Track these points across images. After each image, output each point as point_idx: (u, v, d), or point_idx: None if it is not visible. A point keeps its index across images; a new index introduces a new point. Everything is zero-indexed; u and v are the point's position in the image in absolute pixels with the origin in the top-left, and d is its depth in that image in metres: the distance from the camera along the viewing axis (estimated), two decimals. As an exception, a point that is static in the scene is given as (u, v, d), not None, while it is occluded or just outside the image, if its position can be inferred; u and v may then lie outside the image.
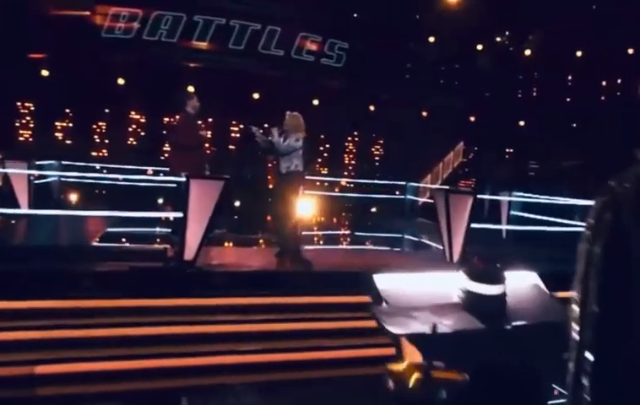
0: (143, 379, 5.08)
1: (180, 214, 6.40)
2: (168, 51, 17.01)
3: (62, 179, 12.83)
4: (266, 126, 8.50)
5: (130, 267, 6.04)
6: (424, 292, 2.32)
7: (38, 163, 11.28)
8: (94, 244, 7.58)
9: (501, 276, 2.16)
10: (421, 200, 15.75)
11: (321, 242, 11.24)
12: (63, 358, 4.99)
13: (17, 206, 9.81)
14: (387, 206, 15.40)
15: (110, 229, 8.88)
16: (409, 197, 15.11)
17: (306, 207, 11.01)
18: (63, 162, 13.05)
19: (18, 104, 18.17)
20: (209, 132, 7.04)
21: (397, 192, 16.77)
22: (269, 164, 15.35)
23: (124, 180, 12.69)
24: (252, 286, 6.31)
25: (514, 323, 2.09)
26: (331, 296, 6.25)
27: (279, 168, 7.64)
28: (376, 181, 16.03)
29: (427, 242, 10.76)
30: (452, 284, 2.20)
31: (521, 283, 2.18)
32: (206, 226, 6.40)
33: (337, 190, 17.44)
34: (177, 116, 7.95)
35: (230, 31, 17.39)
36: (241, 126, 20.00)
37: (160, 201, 12.59)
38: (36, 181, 10.84)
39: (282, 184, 7.64)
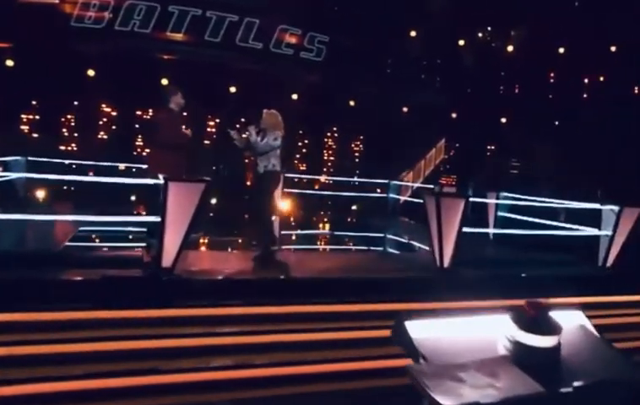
0: (122, 398, 4.64)
1: (157, 219, 5.92)
2: (141, 43, 16.33)
3: (29, 176, 12.16)
4: (242, 121, 8.07)
5: (103, 276, 5.55)
6: (466, 342, 1.97)
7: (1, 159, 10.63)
8: (64, 248, 7.02)
9: (555, 325, 1.79)
10: (402, 198, 15.45)
11: (300, 242, 10.82)
12: (30, 377, 4.56)
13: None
14: (368, 204, 15.05)
15: (81, 229, 8.34)
16: (391, 195, 14.79)
17: (284, 206, 10.68)
18: (30, 158, 12.36)
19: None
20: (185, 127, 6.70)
21: (378, 190, 16.47)
22: (246, 160, 14.92)
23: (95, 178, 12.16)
24: (237, 294, 5.89)
25: (575, 383, 1.72)
26: (322, 305, 5.88)
27: (257, 167, 7.38)
28: (357, 180, 15.67)
29: (413, 244, 10.44)
30: (495, 331, 1.82)
31: (568, 326, 1.85)
32: (185, 231, 5.94)
33: (317, 187, 17.06)
34: (154, 112, 7.41)
35: (207, 23, 16.74)
36: (217, 120, 19.49)
37: (133, 198, 12.05)
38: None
39: (259, 184, 7.40)
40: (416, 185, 17.71)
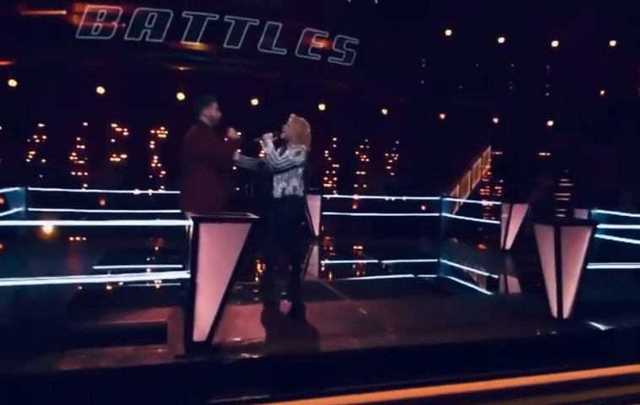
0: None
1: (185, 274, 4.20)
2: (154, 54, 14.75)
3: (30, 210, 10.56)
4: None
5: (109, 367, 3.83)
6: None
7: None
8: (61, 314, 5.25)
9: None
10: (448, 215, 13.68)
11: (341, 274, 9.02)
12: None
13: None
14: (414, 225, 13.25)
15: (88, 280, 6.59)
16: (444, 214, 13.03)
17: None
18: (30, 188, 10.76)
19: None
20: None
21: (423, 208, 14.73)
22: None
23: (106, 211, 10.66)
24: (306, 379, 4.15)
25: None
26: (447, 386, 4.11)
27: (273, 190, 5.84)
28: (405, 198, 13.89)
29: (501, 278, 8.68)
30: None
31: None
32: (225, 291, 4.21)
33: (354, 207, 15.33)
34: (191, 129, 5.74)
35: (225, 29, 15.13)
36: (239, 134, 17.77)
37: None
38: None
39: (276, 212, 5.84)
40: (463, 200, 15.92)
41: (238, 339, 4.63)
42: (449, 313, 6.10)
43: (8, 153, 15.50)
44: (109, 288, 6.69)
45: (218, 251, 4.09)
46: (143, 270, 7.12)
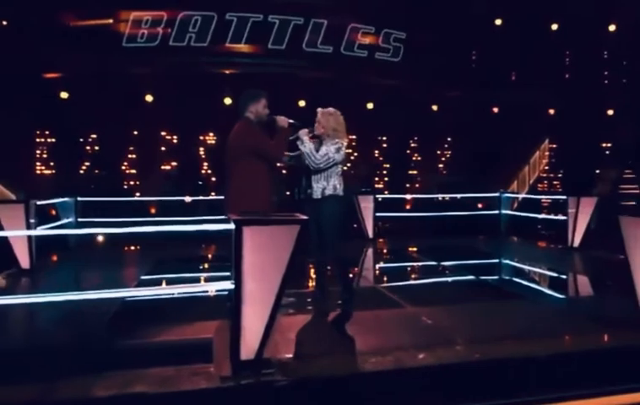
0: None
1: (229, 284, 3.77)
2: (199, 58, 14.54)
3: (80, 221, 10.45)
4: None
5: (146, 392, 3.43)
6: None
7: (44, 203, 8.88)
8: (100, 331, 4.90)
9: None
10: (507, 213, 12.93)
11: (397, 278, 8.44)
12: None
13: (14, 264, 7.48)
14: (471, 224, 12.59)
15: (132, 295, 6.27)
16: (504, 211, 12.29)
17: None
18: (80, 198, 10.64)
19: (37, 133, 15.86)
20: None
21: (479, 205, 14.04)
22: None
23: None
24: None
25: None
26: None
27: (311, 190, 5.57)
28: (460, 195, 13.25)
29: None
30: None
31: None
32: (274, 301, 3.76)
33: (408, 207, 14.72)
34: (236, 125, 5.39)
35: (269, 29, 14.78)
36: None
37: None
38: (41, 228, 8.44)
39: (316, 214, 5.53)
40: (522, 195, 15.08)
41: (290, 356, 4.18)
42: (522, 320, 5.50)
43: (61, 166, 15.59)
44: (153, 300, 6.36)
45: (264, 256, 3.65)
46: (191, 280, 6.74)
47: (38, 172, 15.82)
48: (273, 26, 14.79)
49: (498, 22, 17.69)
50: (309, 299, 6.18)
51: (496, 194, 12.79)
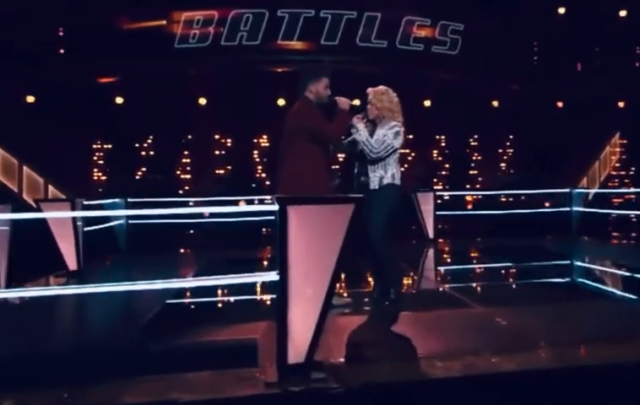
0: None
1: (274, 276, 3.29)
2: (251, 57, 14.28)
3: (130, 221, 10.27)
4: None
5: (179, 399, 2.98)
6: None
7: (92, 203, 8.70)
8: (138, 333, 4.50)
9: None
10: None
11: (457, 279, 7.76)
12: None
13: (62, 265, 7.28)
14: (538, 222, 11.78)
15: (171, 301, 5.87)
16: (575, 208, 11.40)
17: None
18: (130, 199, 10.47)
19: (94, 138, 15.98)
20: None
21: (547, 205, 13.19)
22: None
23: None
24: None
25: None
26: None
27: (368, 180, 5.06)
28: (525, 192, 12.46)
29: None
30: None
31: None
32: (325, 296, 3.25)
33: (469, 207, 13.98)
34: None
35: (322, 24, 14.39)
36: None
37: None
38: (90, 228, 8.25)
39: (372, 205, 4.99)
40: (595, 190, 14.06)
41: (345, 360, 3.66)
42: (606, 321, 4.78)
43: (117, 171, 15.64)
44: (196, 302, 5.97)
45: (314, 242, 3.16)
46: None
47: (95, 178, 15.93)
48: (325, 21, 14.42)
49: (561, 10, 16.74)
50: (365, 299, 5.63)
51: (567, 190, 11.87)
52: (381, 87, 5.30)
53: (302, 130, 4.77)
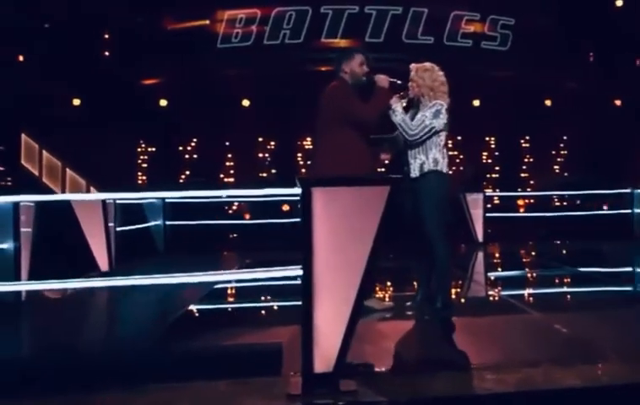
0: None
1: (297, 270, 2.88)
2: (294, 55, 13.97)
3: (168, 222, 10.07)
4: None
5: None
6: None
7: (126, 202, 8.49)
8: (155, 338, 4.15)
9: None
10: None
11: (513, 286, 7.14)
12: None
13: (94, 266, 7.09)
14: (595, 225, 11.04)
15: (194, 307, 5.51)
16: (638, 210, 10.66)
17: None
18: (168, 199, 10.24)
19: (138, 141, 15.95)
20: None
21: (604, 207, 12.43)
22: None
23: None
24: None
25: None
26: None
27: (409, 168, 4.56)
28: (580, 192, 11.77)
29: None
30: None
31: None
32: (356, 296, 2.82)
33: (522, 211, 13.31)
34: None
35: (366, 21, 13.97)
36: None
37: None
38: (124, 228, 8.06)
39: (415, 195, 4.63)
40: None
41: (380, 369, 3.21)
42: None
43: (160, 173, 15.53)
44: (219, 307, 5.61)
45: (342, 231, 2.73)
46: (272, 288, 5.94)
47: (140, 182, 15.89)
48: (370, 18, 14.03)
49: (619, 2, 15.87)
50: (407, 303, 5.14)
51: (627, 191, 11.11)
52: (426, 63, 4.81)
53: (333, 114, 4.41)
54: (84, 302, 5.45)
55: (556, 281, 7.28)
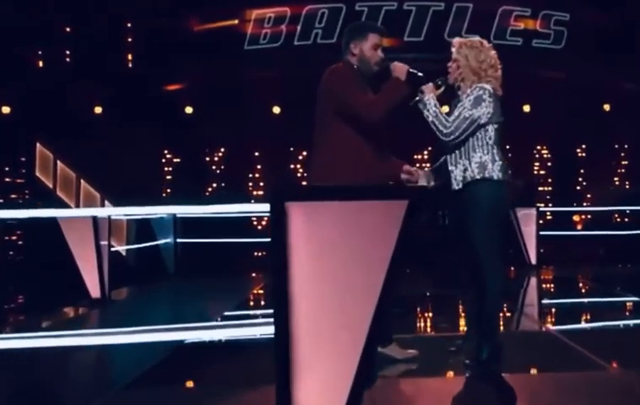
0: None
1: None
2: (326, 56, 12.95)
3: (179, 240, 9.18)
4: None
5: None
6: None
7: (129, 217, 7.63)
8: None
9: None
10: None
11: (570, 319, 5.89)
12: None
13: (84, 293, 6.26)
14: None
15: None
16: None
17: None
18: (180, 214, 9.32)
19: (163, 150, 15.25)
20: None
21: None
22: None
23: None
24: None
25: None
26: None
27: (451, 176, 3.54)
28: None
29: None
30: None
31: None
32: (367, 336, 1.70)
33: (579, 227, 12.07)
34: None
35: (405, 18, 12.97)
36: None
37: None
38: (126, 247, 7.22)
39: (458, 210, 3.68)
40: None
41: None
42: None
43: (186, 185, 14.79)
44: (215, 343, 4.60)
45: (336, 263, 1.64)
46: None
47: (164, 195, 15.15)
48: (409, 15, 13.06)
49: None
50: (451, 348, 3.97)
51: None
52: (474, 37, 3.72)
53: (328, 106, 3.48)
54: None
55: (632, 318, 5.96)
